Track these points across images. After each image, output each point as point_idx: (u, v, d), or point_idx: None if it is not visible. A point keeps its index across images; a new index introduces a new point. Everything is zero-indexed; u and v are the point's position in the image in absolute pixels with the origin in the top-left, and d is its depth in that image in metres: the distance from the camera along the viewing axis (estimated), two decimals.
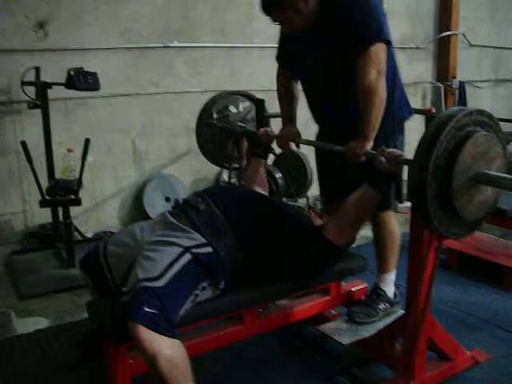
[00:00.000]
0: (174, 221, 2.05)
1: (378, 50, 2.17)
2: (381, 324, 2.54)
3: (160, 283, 1.76)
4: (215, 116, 2.72)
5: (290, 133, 2.57)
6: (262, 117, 3.00)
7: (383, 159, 1.99)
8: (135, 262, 1.89)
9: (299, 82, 2.59)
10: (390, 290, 2.66)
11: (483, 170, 1.72)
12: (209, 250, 1.95)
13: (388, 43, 2.23)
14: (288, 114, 2.61)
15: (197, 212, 2.07)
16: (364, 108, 2.20)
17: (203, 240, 1.96)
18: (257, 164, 2.64)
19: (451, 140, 1.66)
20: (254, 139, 2.68)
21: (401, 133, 2.52)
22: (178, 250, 1.88)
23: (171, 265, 1.83)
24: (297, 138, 2.57)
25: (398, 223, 2.64)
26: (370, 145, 2.19)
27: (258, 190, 2.50)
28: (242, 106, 2.79)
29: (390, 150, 2.01)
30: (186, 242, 1.92)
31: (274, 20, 2.26)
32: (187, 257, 1.88)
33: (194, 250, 1.91)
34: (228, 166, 3.19)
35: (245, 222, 2.09)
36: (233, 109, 2.74)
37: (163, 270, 1.80)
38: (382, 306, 2.61)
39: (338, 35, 2.20)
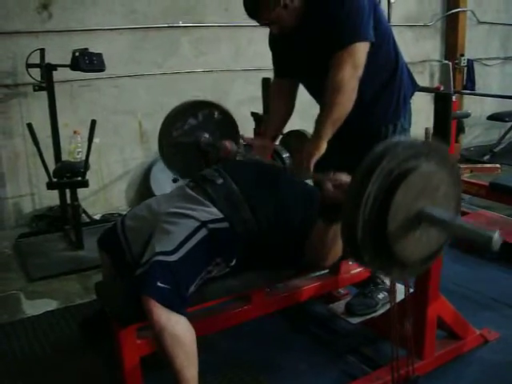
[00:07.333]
0: (192, 193, 2.02)
1: (357, 49, 2.04)
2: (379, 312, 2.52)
3: (174, 257, 1.76)
4: (175, 134, 2.50)
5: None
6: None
7: (330, 186, 1.77)
8: (153, 234, 1.88)
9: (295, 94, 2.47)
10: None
11: (424, 209, 1.42)
12: (225, 225, 1.92)
13: (371, 42, 2.09)
14: (273, 128, 2.49)
15: (214, 186, 2.03)
16: (328, 104, 2.05)
17: (220, 215, 1.93)
18: None
19: (387, 177, 1.37)
20: (215, 150, 2.43)
21: (404, 113, 2.37)
22: (195, 223, 1.86)
23: (187, 239, 1.82)
24: None
25: None
26: (322, 147, 2.05)
27: None
28: (200, 115, 2.55)
29: (338, 174, 1.77)
30: (203, 216, 1.89)
31: (263, 22, 2.17)
32: (203, 232, 1.86)
33: (211, 225, 1.88)
34: None
35: (261, 197, 2.04)
36: (192, 120, 2.52)
37: (178, 244, 1.79)
38: (381, 296, 2.56)
39: (321, 33, 2.11)
